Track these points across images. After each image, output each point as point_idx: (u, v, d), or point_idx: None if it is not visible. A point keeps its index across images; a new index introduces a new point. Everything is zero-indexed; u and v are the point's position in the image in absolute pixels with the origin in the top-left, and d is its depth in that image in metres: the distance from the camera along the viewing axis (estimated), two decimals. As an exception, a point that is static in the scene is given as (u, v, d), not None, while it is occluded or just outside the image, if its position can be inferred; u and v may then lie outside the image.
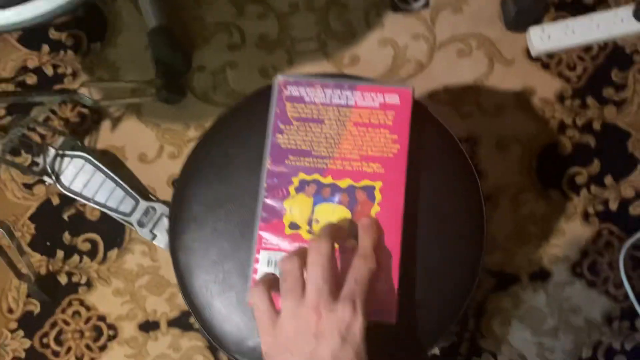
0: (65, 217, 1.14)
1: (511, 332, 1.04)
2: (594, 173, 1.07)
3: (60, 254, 1.13)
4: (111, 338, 1.10)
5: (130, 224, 1.08)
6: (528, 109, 1.09)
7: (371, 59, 1.13)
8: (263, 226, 0.55)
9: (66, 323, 1.11)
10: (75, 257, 1.13)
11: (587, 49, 1.10)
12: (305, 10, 1.16)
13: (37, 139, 1.16)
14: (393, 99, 0.56)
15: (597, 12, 1.09)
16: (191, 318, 1.07)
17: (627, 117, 1.08)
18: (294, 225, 0.55)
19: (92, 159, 1.07)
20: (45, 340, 1.11)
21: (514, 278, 1.05)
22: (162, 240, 1.08)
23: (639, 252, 1.04)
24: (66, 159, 1.08)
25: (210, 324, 0.58)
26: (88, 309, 1.11)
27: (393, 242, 0.54)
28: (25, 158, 1.16)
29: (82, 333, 1.10)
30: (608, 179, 1.06)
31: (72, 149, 1.10)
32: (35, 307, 1.12)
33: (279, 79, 0.57)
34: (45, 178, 1.11)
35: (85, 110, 1.17)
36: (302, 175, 0.56)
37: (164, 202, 1.09)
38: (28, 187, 1.16)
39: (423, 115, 0.61)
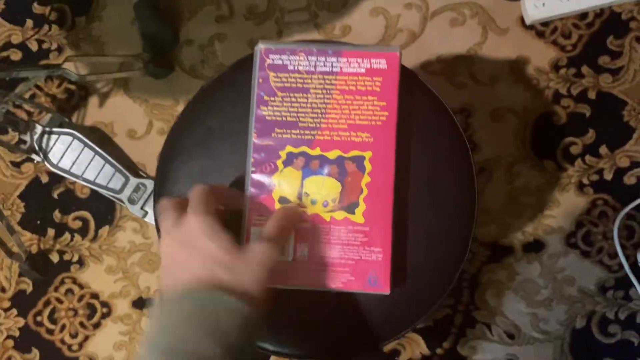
0: (55, 195, 1.13)
1: (505, 303, 1.03)
2: (589, 143, 1.06)
3: (51, 232, 1.12)
4: (105, 315, 1.10)
5: (121, 201, 1.07)
6: (522, 79, 1.08)
7: (362, 29, 1.11)
8: (252, 203, 0.53)
9: (59, 301, 1.11)
10: (67, 235, 1.12)
11: (583, 16, 1.08)
12: (295, -20, 1.13)
13: (24, 116, 1.14)
14: (380, 63, 0.55)
15: (593, -23, 1.07)
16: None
17: (623, 85, 1.06)
18: (283, 200, 0.54)
19: (80, 136, 1.06)
20: (39, 319, 1.11)
21: (508, 250, 1.04)
22: (153, 217, 1.07)
23: (633, 222, 1.03)
24: (53, 136, 1.06)
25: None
26: (81, 287, 1.11)
27: (385, 212, 0.53)
28: (12, 136, 1.14)
29: (75, 311, 1.10)
30: (603, 149, 1.05)
31: (60, 126, 1.08)
32: (28, 286, 1.12)
33: (261, 46, 0.55)
34: (34, 156, 1.09)
35: (72, 87, 1.15)
36: (290, 148, 0.54)
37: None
38: (16, 165, 1.15)
39: (414, 84, 0.59)
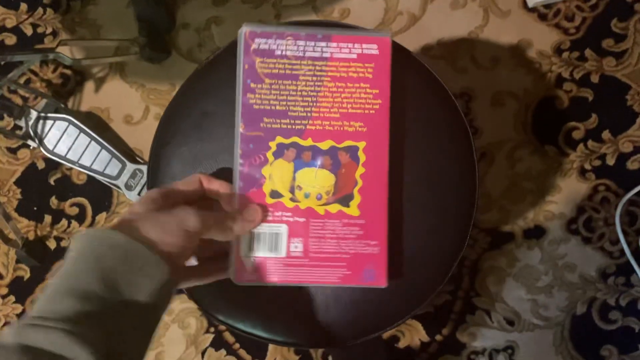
0: (51, 181, 1.12)
1: (505, 290, 1.03)
2: (592, 127, 1.04)
3: (48, 218, 1.11)
4: (103, 302, 1.09)
5: (118, 187, 1.06)
6: (524, 63, 1.06)
7: (362, 12, 1.09)
8: (242, 197, 0.51)
9: (57, 288, 1.10)
10: (63, 222, 1.11)
11: (587, -2, 1.06)
12: (293, -38, 1.11)
13: (19, 102, 1.13)
14: (371, 49, 0.52)
15: (597, -42, 1.05)
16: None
17: (626, 69, 1.04)
18: (275, 194, 0.51)
19: (76, 121, 1.04)
20: (36, 305, 1.10)
21: (508, 236, 1.03)
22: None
23: (635, 208, 1.02)
24: (49, 122, 1.05)
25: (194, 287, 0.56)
26: (78, 273, 1.10)
27: (380, 204, 0.52)
28: (8, 122, 1.13)
29: (73, 298, 1.09)
30: (606, 134, 1.04)
31: (56, 112, 1.07)
32: (25, 273, 1.11)
33: (245, 29, 0.52)
34: (29, 142, 1.08)
35: (67, 72, 1.13)
36: (280, 139, 0.51)
37: (151, 165, 1.06)
38: (12, 151, 1.14)
39: (414, 67, 0.58)
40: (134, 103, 1.11)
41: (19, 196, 1.13)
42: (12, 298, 1.11)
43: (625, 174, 1.03)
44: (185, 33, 1.12)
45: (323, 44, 0.52)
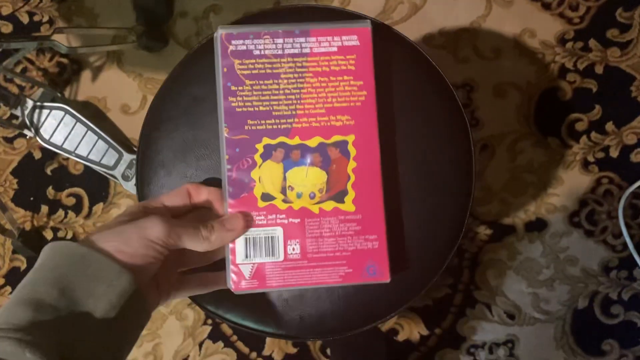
0: (48, 171, 1.11)
1: (506, 283, 1.01)
2: (595, 119, 1.02)
3: (44, 209, 1.11)
4: (99, 293, 1.08)
5: (115, 177, 1.05)
6: (527, 53, 1.04)
7: (362, 1, 1.07)
8: (233, 203, 0.49)
9: (53, 279, 1.09)
10: (60, 212, 1.10)
11: (591, -13, 1.04)
12: (293, -50, 1.09)
13: (15, 90, 1.12)
14: (351, 40, 0.51)
15: (602, -54, 1.03)
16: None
17: (631, 59, 1.03)
18: (267, 197, 0.50)
19: (72, 111, 1.03)
20: (33, 296, 1.09)
21: (509, 229, 1.02)
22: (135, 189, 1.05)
23: (639, 201, 1.00)
24: (45, 111, 1.04)
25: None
26: (75, 264, 1.09)
27: (376, 197, 0.51)
28: (4, 111, 1.11)
29: (70, 288, 1.09)
30: (609, 126, 1.02)
31: (52, 101, 1.05)
32: (22, 263, 1.10)
33: (220, 32, 0.50)
34: (26, 131, 1.07)
35: (64, 60, 1.12)
36: (266, 140, 0.50)
37: (148, 155, 1.05)
38: (9, 140, 1.12)
39: (411, 54, 0.56)
40: (131, 92, 1.10)
41: (16, 186, 1.12)
42: (8, 289, 1.10)
43: (628, 166, 1.01)
44: (183, 22, 1.10)
45: (302, 39, 0.51)
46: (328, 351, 1.02)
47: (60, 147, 1.04)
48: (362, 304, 0.54)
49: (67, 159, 1.10)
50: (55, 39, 0.96)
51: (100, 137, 1.04)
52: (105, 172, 1.05)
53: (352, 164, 0.51)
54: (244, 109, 0.50)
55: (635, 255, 0.98)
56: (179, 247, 0.45)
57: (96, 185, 1.10)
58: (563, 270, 1.00)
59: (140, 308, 0.43)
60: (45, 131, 1.04)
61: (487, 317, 1.01)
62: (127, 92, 1.10)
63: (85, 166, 1.09)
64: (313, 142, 0.51)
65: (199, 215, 0.50)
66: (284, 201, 0.50)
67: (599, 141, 1.02)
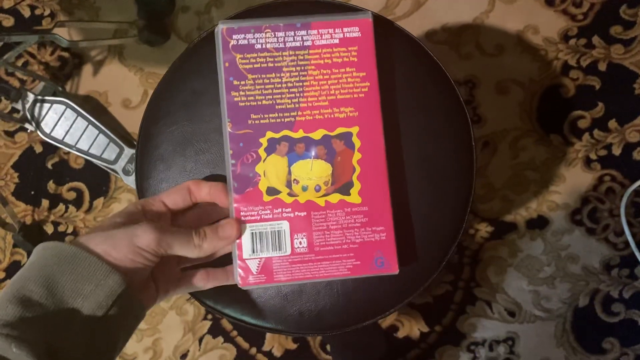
0: (49, 165, 1.11)
1: (507, 280, 1.01)
2: (598, 117, 1.02)
3: (45, 203, 1.10)
4: (100, 288, 1.08)
5: (115, 172, 1.05)
6: (530, 49, 1.04)
7: (365, -4, 1.07)
8: (238, 198, 0.49)
9: (54, 273, 1.09)
10: (61, 207, 1.10)
11: (595, -17, 1.04)
12: (295, -56, 1.09)
13: (17, 84, 1.11)
14: (353, 32, 0.51)
15: (607, -58, 1.02)
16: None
17: (635, 57, 1.02)
18: (272, 191, 0.50)
19: (73, 105, 1.03)
20: (33, 290, 1.09)
21: (510, 226, 1.02)
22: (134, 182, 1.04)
23: (641, 199, 1.00)
24: (46, 105, 1.04)
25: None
26: (75, 258, 1.09)
27: (382, 188, 0.51)
28: (5, 104, 1.11)
29: (70, 283, 1.09)
30: (612, 123, 1.02)
31: (54, 95, 1.05)
32: (23, 257, 1.10)
33: (221, 27, 0.50)
34: (27, 125, 1.07)
35: (65, 54, 1.12)
36: (270, 134, 0.50)
37: (149, 149, 1.05)
38: (10, 134, 1.12)
39: (413, 49, 0.56)
40: (133, 87, 1.10)
41: (17, 180, 1.11)
42: (8, 282, 1.10)
43: (631, 164, 1.01)
44: (185, 16, 1.10)
45: (303, 32, 0.51)
46: (328, 347, 1.02)
47: (61, 141, 1.04)
48: (362, 299, 0.54)
49: (68, 153, 1.10)
50: (57, 32, 0.95)
51: (101, 131, 1.04)
52: (106, 167, 1.05)
53: (357, 156, 0.51)
54: (247, 104, 0.50)
55: (637, 254, 0.98)
56: (171, 254, 0.45)
57: (97, 179, 1.10)
58: (564, 268, 1.00)
59: (130, 307, 0.43)
60: (46, 125, 1.04)
61: (487, 315, 1.01)
62: (128, 86, 1.10)
63: (86, 160, 1.09)
64: (317, 135, 0.50)
65: (201, 212, 0.50)
66: (290, 195, 0.50)
67: (602, 139, 1.01)
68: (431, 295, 1.02)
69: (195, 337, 1.05)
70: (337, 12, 0.54)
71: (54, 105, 1.04)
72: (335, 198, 0.50)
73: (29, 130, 1.11)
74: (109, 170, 1.07)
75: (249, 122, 0.50)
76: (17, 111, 1.05)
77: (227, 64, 0.50)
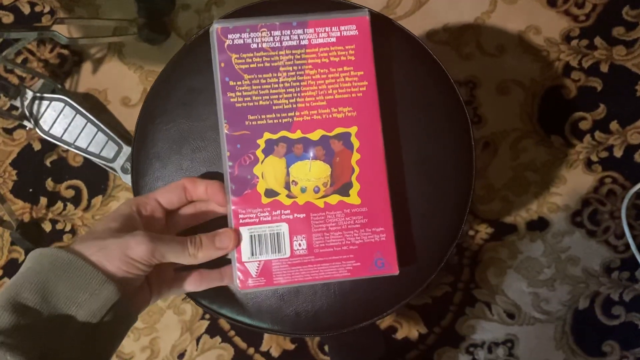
0: (47, 163, 1.10)
1: (506, 282, 1.01)
2: (599, 118, 1.01)
3: (43, 200, 1.10)
4: (97, 286, 1.07)
5: (114, 170, 1.04)
6: (531, 50, 1.03)
7: (365, -5, 1.06)
8: (236, 200, 0.48)
9: (51, 271, 1.09)
10: (59, 204, 1.10)
11: (598, -16, 1.03)
12: (296, -57, 1.08)
13: (16, 81, 1.11)
14: (350, 30, 0.50)
15: (610, -57, 1.01)
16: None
17: (637, 58, 1.01)
18: (270, 193, 0.49)
19: (72, 102, 1.02)
20: (31, 288, 1.09)
21: (511, 227, 1.01)
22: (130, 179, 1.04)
23: (642, 201, 0.99)
24: (45, 102, 1.03)
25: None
26: (73, 256, 1.08)
27: (381, 189, 0.50)
28: (3, 101, 1.11)
29: (68, 281, 1.08)
30: (614, 125, 1.01)
31: (53, 93, 1.05)
32: (20, 255, 1.10)
33: (216, 26, 0.49)
34: (25, 122, 1.06)
35: (65, 52, 1.11)
36: (268, 135, 0.49)
37: (148, 148, 1.04)
38: (8, 131, 1.12)
39: (413, 48, 0.55)
40: (132, 85, 1.10)
41: (15, 177, 1.11)
42: (6, 280, 1.10)
43: (632, 166, 1.00)
44: (185, 14, 1.10)
45: (299, 31, 0.50)
46: (326, 348, 1.02)
47: (59, 139, 1.03)
48: (359, 300, 0.53)
49: (67, 150, 1.09)
50: (56, 29, 0.95)
51: (100, 129, 1.03)
52: (104, 165, 1.05)
53: (355, 156, 0.50)
54: (244, 104, 0.49)
55: (638, 257, 0.97)
56: (166, 261, 0.44)
57: (95, 177, 1.09)
58: (564, 270, 0.99)
59: (124, 314, 0.43)
60: (45, 122, 1.04)
61: (486, 316, 1.00)
62: (127, 84, 1.10)
63: (85, 158, 1.08)
64: (315, 135, 0.50)
65: (197, 210, 0.49)
66: (288, 196, 0.49)
67: (603, 140, 1.01)
68: (430, 297, 1.01)
69: (193, 337, 1.04)
70: (334, 9, 0.54)
71: (53, 103, 1.03)
72: (334, 199, 0.50)
73: (27, 128, 1.11)
74: (107, 169, 1.06)
75: (246, 123, 0.49)
76: (16, 108, 1.04)
77: (222, 64, 0.49)
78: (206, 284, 0.50)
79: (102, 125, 1.03)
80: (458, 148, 0.55)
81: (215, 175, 0.52)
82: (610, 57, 1.02)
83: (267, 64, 0.50)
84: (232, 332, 1.04)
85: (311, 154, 0.50)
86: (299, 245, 0.49)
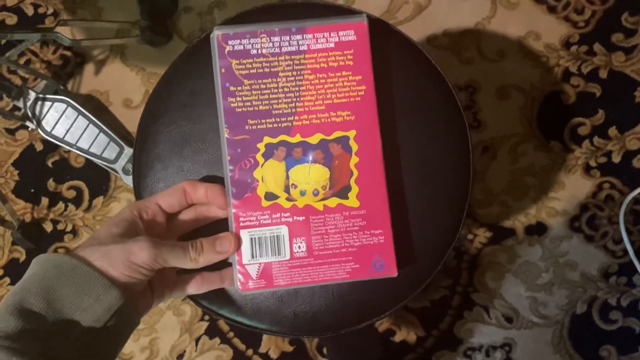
0: (49, 163, 1.11)
1: (504, 286, 1.01)
2: (598, 124, 1.02)
3: (45, 201, 1.11)
4: (97, 286, 1.08)
5: (115, 171, 1.05)
6: (531, 56, 1.04)
7: (366, 0, 1.07)
8: (236, 203, 0.49)
9: (52, 271, 1.09)
10: (60, 205, 1.10)
11: (597, -9, 1.04)
12: (298, -53, 1.09)
13: (19, 82, 1.12)
14: (348, 35, 0.51)
15: (609, -50, 1.02)
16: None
17: (636, 64, 1.02)
18: (270, 196, 0.50)
19: (74, 103, 1.03)
20: (31, 288, 1.09)
21: (509, 232, 1.02)
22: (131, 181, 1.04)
23: (640, 207, 1.00)
24: (47, 103, 1.04)
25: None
26: (74, 257, 1.09)
27: (379, 191, 0.51)
28: (7, 102, 1.12)
29: (68, 281, 1.09)
30: (612, 131, 1.02)
31: (55, 94, 1.06)
32: (21, 255, 1.11)
33: (216, 32, 0.50)
34: (28, 123, 1.07)
35: (67, 53, 1.12)
36: (268, 139, 0.50)
37: (149, 149, 1.05)
38: (10, 132, 1.13)
39: (412, 54, 0.56)
40: (134, 86, 1.10)
41: (17, 178, 1.12)
42: (7, 280, 1.10)
43: (631, 171, 1.01)
44: (187, 17, 1.10)
45: (298, 36, 0.51)
46: (325, 350, 1.02)
47: (61, 140, 1.04)
48: (357, 301, 0.54)
49: (69, 151, 1.10)
50: (59, 31, 0.96)
51: (101, 130, 1.04)
52: (106, 166, 1.05)
53: (354, 159, 0.51)
54: (244, 109, 0.50)
55: (636, 262, 0.98)
56: (167, 266, 0.45)
57: (97, 178, 1.10)
58: (562, 275, 1.00)
59: (128, 318, 0.44)
60: (47, 123, 1.04)
61: (484, 320, 1.01)
62: (129, 86, 1.10)
63: (87, 159, 1.09)
64: (314, 139, 0.50)
65: (197, 213, 0.50)
66: (288, 199, 0.50)
67: (602, 146, 1.01)
68: (429, 300, 1.02)
69: (192, 338, 1.05)
70: (333, 15, 0.55)
71: (55, 104, 1.04)
72: (333, 202, 0.50)
73: (29, 128, 1.11)
74: (109, 170, 1.07)
75: (246, 127, 0.50)
76: (19, 109, 1.05)
77: (223, 70, 0.50)
78: (207, 286, 0.51)
79: (104, 127, 1.03)
80: (456, 151, 0.55)
81: (216, 179, 0.53)
82: (610, 63, 1.02)
83: (266, 70, 0.50)
84: (231, 334, 1.04)
85: (310, 158, 0.50)
86: (299, 247, 0.50)
